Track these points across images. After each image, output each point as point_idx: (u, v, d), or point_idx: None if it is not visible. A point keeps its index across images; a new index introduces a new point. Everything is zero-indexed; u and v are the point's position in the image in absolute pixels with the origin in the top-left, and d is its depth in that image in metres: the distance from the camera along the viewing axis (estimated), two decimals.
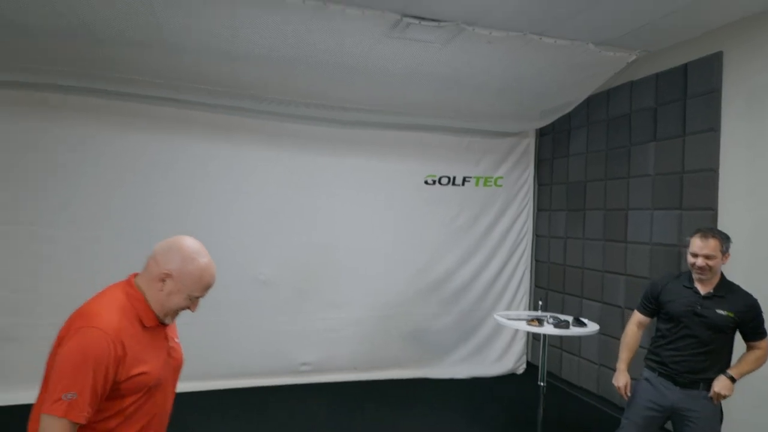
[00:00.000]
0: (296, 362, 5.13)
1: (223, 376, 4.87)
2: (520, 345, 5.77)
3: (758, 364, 2.61)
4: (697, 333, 2.62)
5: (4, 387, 4.16)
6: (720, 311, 2.59)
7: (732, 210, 3.60)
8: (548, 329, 3.43)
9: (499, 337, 5.73)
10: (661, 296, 2.83)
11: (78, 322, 1.46)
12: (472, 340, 5.67)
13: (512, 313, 3.94)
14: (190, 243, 1.68)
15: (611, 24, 3.71)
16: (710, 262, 2.59)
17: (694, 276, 2.69)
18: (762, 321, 2.63)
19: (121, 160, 4.59)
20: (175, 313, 1.66)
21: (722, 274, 2.72)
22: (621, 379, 2.85)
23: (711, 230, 2.68)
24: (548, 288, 5.61)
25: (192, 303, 1.65)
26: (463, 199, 5.58)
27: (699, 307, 2.64)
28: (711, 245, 2.59)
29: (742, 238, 3.53)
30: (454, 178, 5.57)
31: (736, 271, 3.14)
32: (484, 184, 5.67)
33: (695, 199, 3.85)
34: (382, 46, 3.89)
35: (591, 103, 5.01)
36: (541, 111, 5.21)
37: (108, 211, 4.51)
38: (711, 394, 2.57)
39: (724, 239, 2.63)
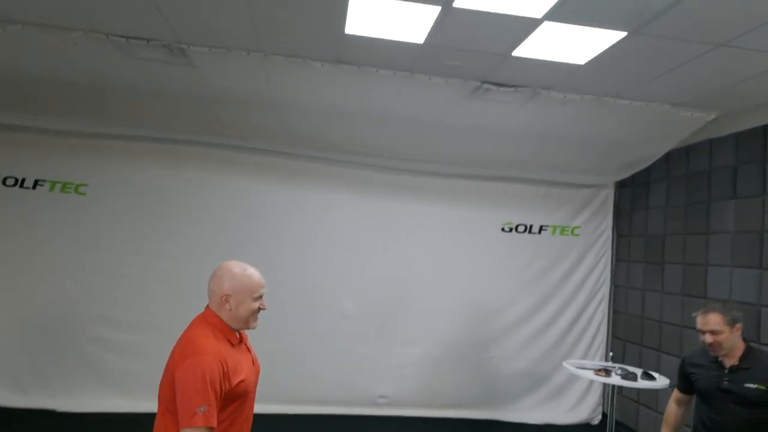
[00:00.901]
0: (374, 394, 5.46)
1: (305, 402, 5.28)
2: (596, 395, 5.75)
3: None
4: (732, 410, 2.47)
5: (127, 396, 4.84)
6: (749, 385, 2.44)
7: None
8: (615, 380, 3.55)
9: (575, 386, 5.75)
10: (688, 372, 2.73)
11: (187, 351, 1.85)
12: (546, 386, 5.74)
13: (584, 362, 4.05)
14: (231, 263, 2.04)
15: (689, 88, 3.85)
16: (717, 338, 2.50)
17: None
18: None
19: (226, 202, 5.28)
20: (253, 317, 2.01)
21: (747, 342, 2.61)
22: None
23: (714, 304, 2.59)
24: (625, 339, 5.60)
25: (259, 303, 2.01)
26: (539, 247, 5.77)
27: (726, 382, 2.51)
28: (711, 321, 2.51)
29: None
30: (531, 226, 5.78)
31: None
32: (561, 233, 5.82)
33: None
34: (463, 107, 4.29)
35: (671, 158, 5.08)
36: (620, 164, 5.35)
37: (213, 247, 5.14)
38: None
39: (728, 311, 2.54)
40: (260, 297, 2.03)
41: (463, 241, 5.67)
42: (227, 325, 1.98)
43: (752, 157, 4.13)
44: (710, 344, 2.54)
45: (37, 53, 3.80)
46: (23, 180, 4.97)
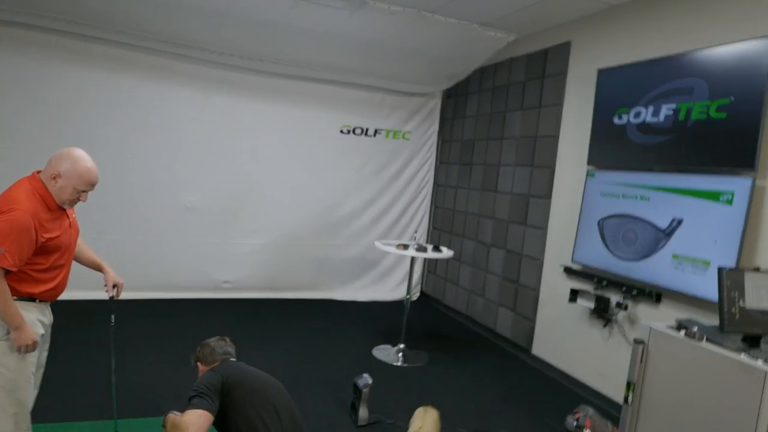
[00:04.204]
0: (219, 280, 5.96)
1: (156, 288, 5.64)
2: (416, 276, 6.81)
3: None
4: None
5: None
6: None
7: (564, 169, 4.61)
8: (410, 252, 4.39)
9: (398, 269, 6.75)
10: None
11: (4, 206, 2.13)
12: (374, 270, 6.67)
13: (390, 241, 4.86)
14: (77, 151, 2.32)
15: (493, 9, 4.51)
16: None
17: None
18: None
19: (70, 94, 5.12)
20: (70, 202, 2.32)
21: None
22: None
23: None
24: (441, 229, 6.63)
25: (81, 195, 2.33)
26: (373, 148, 6.43)
27: None
28: None
29: (567, 191, 4.57)
30: (367, 129, 6.39)
31: (558, 221, 4.18)
32: (394, 137, 6.52)
33: (542, 158, 4.84)
34: (298, 9, 4.57)
35: (484, 73, 5.88)
36: (441, 76, 6.06)
37: (54, 135, 5.02)
38: None
39: None
40: (84, 191, 2.33)
41: (305, 140, 6.13)
42: (49, 193, 2.28)
43: (536, 75, 5.00)
44: None
45: None
46: None
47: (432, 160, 6.79)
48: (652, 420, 2.71)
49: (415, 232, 5.24)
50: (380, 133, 6.46)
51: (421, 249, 4.45)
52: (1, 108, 4.94)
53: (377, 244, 4.70)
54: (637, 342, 2.77)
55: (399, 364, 4.46)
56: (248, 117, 5.85)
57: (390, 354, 4.62)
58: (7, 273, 2.14)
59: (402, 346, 4.66)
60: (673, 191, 3.47)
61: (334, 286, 6.50)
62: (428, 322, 5.88)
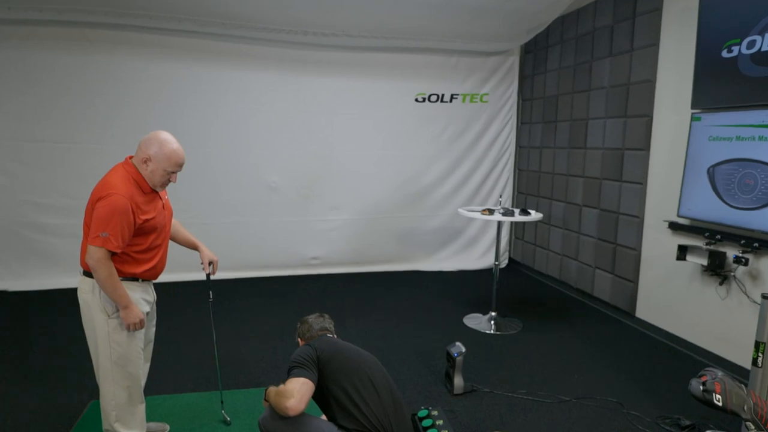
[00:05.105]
0: (306, 257, 6.09)
1: (248, 268, 5.86)
2: (503, 243, 6.58)
3: None
4: None
5: (50, 273, 5.27)
6: None
7: (663, 117, 4.19)
8: (496, 216, 4.20)
9: (485, 237, 6.56)
10: None
11: (102, 192, 2.23)
12: (460, 239, 6.52)
13: (475, 207, 4.69)
14: (164, 134, 2.37)
15: None
16: None
17: None
18: None
19: (150, 85, 5.35)
20: (161, 184, 2.39)
21: None
22: None
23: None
24: (527, 193, 6.34)
25: (171, 176, 2.39)
26: (450, 114, 6.22)
27: None
28: None
29: (667, 140, 4.17)
30: (443, 95, 6.18)
31: (659, 173, 3.82)
32: (471, 101, 6.27)
33: (636, 107, 4.43)
34: None
35: (565, 21, 5.47)
36: (520, 30, 5.69)
37: (141, 130, 5.30)
38: None
39: None
40: (174, 173, 2.39)
41: (380, 112, 6.04)
42: (142, 176, 2.36)
43: (625, 16, 4.56)
44: None
45: None
46: None
47: (513, 121, 6.47)
48: None
49: (500, 196, 5.04)
50: (457, 98, 6.23)
51: (508, 213, 4.25)
52: (100, 105, 5.26)
53: (461, 210, 4.54)
54: (766, 297, 2.46)
55: (492, 331, 4.33)
56: (323, 94, 5.84)
57: (482, 322, 4.50)
58: (113, 255, 2.24)
59: (493, 314, 4.51)
60: None
61: (419, 258, 6.44)
62: (519, 289, 5.67)
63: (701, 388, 1.79)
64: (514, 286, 5.76)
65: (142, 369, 2.47)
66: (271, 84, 5.69)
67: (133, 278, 2.37)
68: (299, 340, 2.60)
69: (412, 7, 5.03)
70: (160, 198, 2.49)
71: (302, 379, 2.11)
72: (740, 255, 3.43)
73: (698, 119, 3.74)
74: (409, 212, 6.30)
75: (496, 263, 4.58)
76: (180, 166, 2.40)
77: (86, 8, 4.85)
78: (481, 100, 6.29)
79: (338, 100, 5.89)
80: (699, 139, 3.73)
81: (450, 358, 3.25)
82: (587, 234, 5.11)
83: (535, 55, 6.13)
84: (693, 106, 3.82)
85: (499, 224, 4.52)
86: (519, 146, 6.52)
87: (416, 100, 6.12)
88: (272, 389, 2.17)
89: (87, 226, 2.27)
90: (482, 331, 4.36)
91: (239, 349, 3.86)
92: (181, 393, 3.20)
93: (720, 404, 1.78)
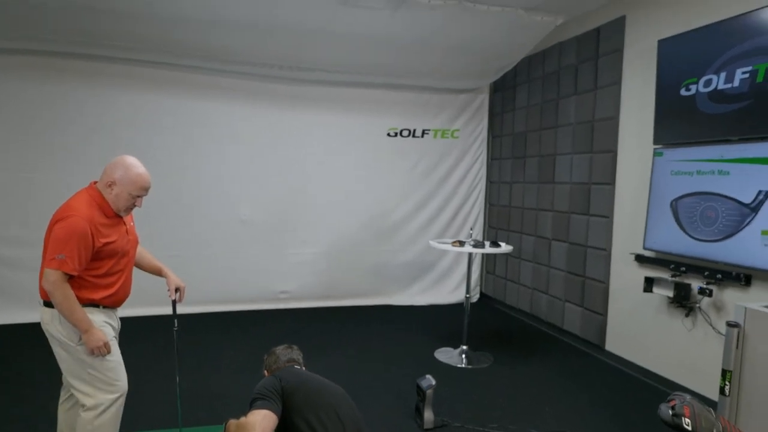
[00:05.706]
0: (276, 291, 5.96)
1: (216, 302, 5.69)
2: (474, 276, 6.59)
3: None
4: None
5: (8, 308, 5.00)
6: None
7: (627, 152, 4.32)
8: (467, 248, 4.21)
9: (456, 271, 6.55)
10: None
11: (64, 213, 2.20)
12: (431, 273, 6.50)
13: (446, 240, 4.70)
14: (130, 159, 2.36)
15: None
16: None
17: None
18: None
19: (117, 117, 5.28)
20: (126, 208, 2.35)
21: None
22: None
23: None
24: (497, 227, 6.39)
25: (136, 200, 2.35)
26: (422, 149, 6.30)
27: None
28: None
29: (633, 175, 4.29)
30: (414, 130, 6.27)
31: (624, 207, 3.91)
32: (442, 136, 6.37)
33: (601, 143, 4.56)
34: (337, 15, 4.53)
35: (531, 61, 5.66)
36: (489, 69, 5.86)
37: (105, 162, 5.19)
38: None
39: None
40: (139, 197, 2.36)
41: (352, 147, 6.07)
42: (105, 201, 2.30)
43: (588, 56, 4.75)
44: None
45: None
46: None
47: (483, 157, 6.58)
48: (755, 410, 2.42)
49: (471, 229, 5.08)
50: (428, 134, 6.32)
51: (479, 245, 4.26)
52: (66, 135, 5.15)
53: (432, 243, 4.54)
54: (731, 325, 2.49)
55: (463, 365, 4.27)
56: (296, 127, 5.86)
57: (453, 356, 4.44)
58: (70, 279, 2.17)
59: (465, 347, 4.47)
60: (756, 161, 3.15)
61: (391, 292, 6.38)
62: (490, 323, 5.65)
63: (670, 412, 1.76)
64: (486, 320, 5.74)
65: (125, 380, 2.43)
66: (243, 117, 5.69)
67: (93, 304, 2.28)
68: (265, 371, 2.51)
69: (386, 45, 5.14)
70: (125, 223, 2.42)
71: (264, 411, 2.02)
72: (704, 286, 3.49)
73: (660, 154, 3.87)
74: (381, 246, 6.28)
75: (468, 296, 4.56)
76: (146, 190, 2.36)
77: (55, 38, 4.80)
78: (452, 135, 6.40)
79: (311, 133, 5.91)
80: (662, 173, 3.85)
81: (420, 391, 3.18)
82: (557, 267, 5.16)
83: (503, 94, 6.30)
84: (655, 142, 3.95)
85: (470, 257, 4.52)
86: (489, 181, 6.62)
87: (388, 134, 6.19)
88: (233, 422, 2.07)
89: (46, 250, 2.20)
90: (453, 365, 4.30)
91: (202, 384, 3.70)
92: (138, 431, 3.03)
93: (689, 428, 1.75)
